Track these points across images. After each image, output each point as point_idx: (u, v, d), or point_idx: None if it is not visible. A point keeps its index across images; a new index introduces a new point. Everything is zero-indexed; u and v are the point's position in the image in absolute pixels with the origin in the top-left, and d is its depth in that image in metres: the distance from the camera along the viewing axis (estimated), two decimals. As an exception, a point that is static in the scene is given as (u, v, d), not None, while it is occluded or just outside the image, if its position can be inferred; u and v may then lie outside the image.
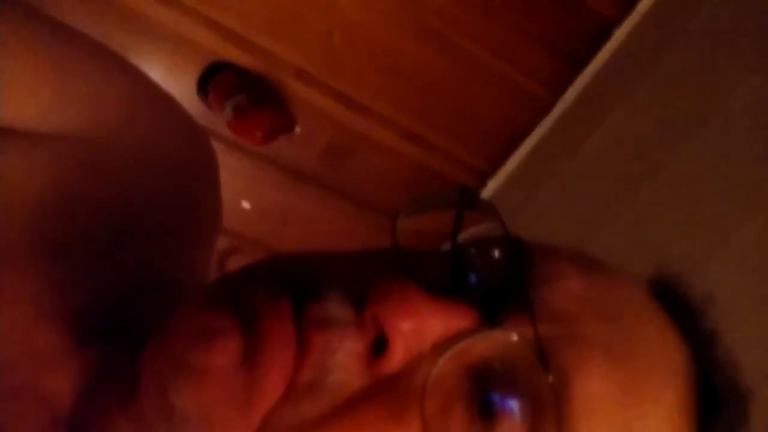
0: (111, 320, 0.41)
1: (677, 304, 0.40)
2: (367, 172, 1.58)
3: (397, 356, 0.32)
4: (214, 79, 1.36)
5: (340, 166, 1.55)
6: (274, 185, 1.53)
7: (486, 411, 0.32)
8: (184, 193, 0.50)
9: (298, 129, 1.46)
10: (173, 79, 1.38)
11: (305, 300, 0.33)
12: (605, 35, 1.52)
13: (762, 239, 1.06)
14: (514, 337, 0.33)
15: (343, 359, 0.32)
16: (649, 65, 1.40)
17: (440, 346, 0.33)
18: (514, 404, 0.32)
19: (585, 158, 1.45)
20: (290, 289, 0.34)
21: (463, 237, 0.37)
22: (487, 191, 1.64)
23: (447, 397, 0.33)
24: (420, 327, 0.32)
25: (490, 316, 0.34)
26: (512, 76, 1.55)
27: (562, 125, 1.57)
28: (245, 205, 1.50)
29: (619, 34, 1.51)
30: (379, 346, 0.33)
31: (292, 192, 1.55)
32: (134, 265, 0.45)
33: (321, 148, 1.52)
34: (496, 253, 0.36)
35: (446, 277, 0.36)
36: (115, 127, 0.46)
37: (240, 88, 1.34)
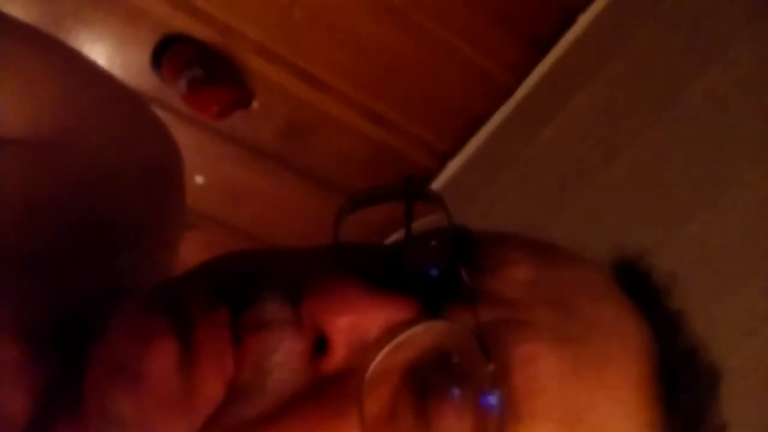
0: (74, 330, 0.40)
1: (639, 286, 0.40)
2: (325, 151, 1.56)
3: (337, 354, 0.32)
4: (169, 51, 1.32)
5: (299, 144, 1.53)
6: (230, 161, 1.51)
7: (430, 405, 0.31)
8: (150, 197, 0.49)
9: (255, 104, 1.43)
10: (126, 50, 1.34)
11: (244, 303, 0.33)
12: (570, 20, 1.52)
13: (720, 225, 1.08)
14: (455, 327, 0.32)
15: (283, 359, 0.32)
16: (611, 52, 1.40)
17: (382, 342, 0.32)
18: (457, 396, 0.31)
19: (546, 142, 1.45)
20: (228, 294, 0.33)
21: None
22: (447, 172, 1.63)
23: (391, 393, 0.32)
24: (357, 322, 0.32)
25: (432, 307, 0.33)
26: (475, 58, 1.54)
27: (524, 109, 1.57)
28: (198, 180, 1.47)
29: (584, 20, 1.51)
30: (322, 345, 0.32)
31: (248, 168, 1.53)
32: (100, 273, 0.44)
33: (279, 124, 1.50)
34: (440, 243, 0.35)
35: (386, 269, 0.35)
36: (80, 132, 0.45)
37: (196, 62, 1.31)
